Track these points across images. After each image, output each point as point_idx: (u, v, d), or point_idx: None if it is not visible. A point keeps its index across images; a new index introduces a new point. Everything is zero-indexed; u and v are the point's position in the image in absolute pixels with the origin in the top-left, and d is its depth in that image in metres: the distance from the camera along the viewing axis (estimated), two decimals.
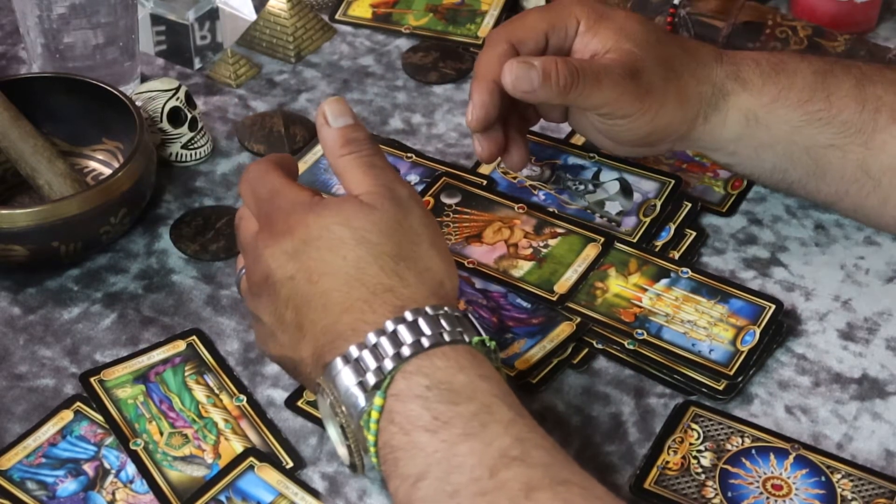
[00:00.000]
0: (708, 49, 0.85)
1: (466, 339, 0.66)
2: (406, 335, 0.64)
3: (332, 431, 0.68)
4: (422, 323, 0.65)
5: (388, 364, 0.64)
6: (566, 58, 0.80)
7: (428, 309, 0.66)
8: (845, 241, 0.88)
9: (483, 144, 0.84)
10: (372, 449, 0.64)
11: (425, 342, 0.64)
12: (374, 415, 0.64)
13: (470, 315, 0.68)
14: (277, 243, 0.69)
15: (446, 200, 0.90)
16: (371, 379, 0.64)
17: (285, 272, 0.68)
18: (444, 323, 0.65)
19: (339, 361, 0.65)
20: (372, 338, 0.65)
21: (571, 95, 0.79)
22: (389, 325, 0.65)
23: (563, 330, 0.80)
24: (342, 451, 0.68)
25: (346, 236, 0.68)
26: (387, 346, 0.64)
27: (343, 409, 0.65)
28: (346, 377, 0.64)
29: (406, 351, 0.64)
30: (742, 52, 0.85)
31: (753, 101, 0.83)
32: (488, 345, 0.67)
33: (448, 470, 0.60)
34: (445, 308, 0.66)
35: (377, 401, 0.63)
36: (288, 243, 0.68)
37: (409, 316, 0.65)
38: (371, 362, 0.64)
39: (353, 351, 0.65)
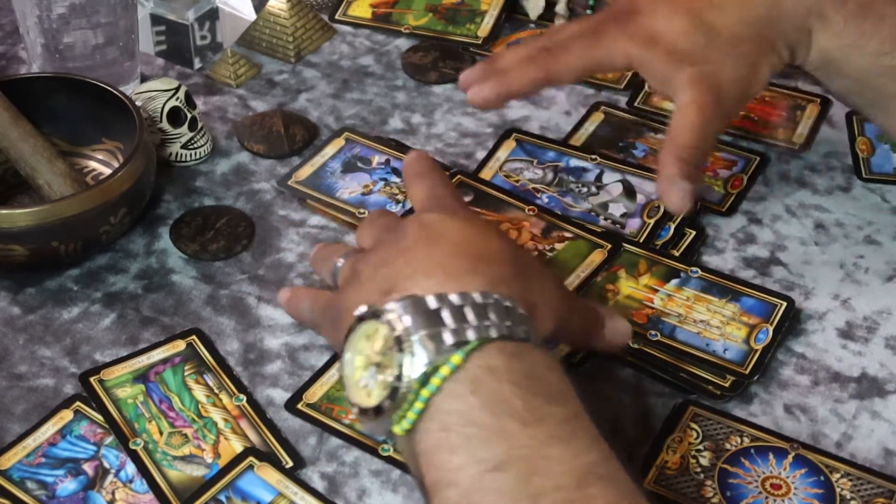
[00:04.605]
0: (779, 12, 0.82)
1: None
2: (494, 313, 0.61)
3: (360, 362, 0.63)
4: (516, 315, 0.62)
5: (471, 334, 0.60)
6: (680, 154, 0.80)
7: (521, 311, 0.64)
8: (845, 241, 0.88)
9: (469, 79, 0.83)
10: (419, 404, 0.60)
11: (520, 333, 0.62)
12: (445, 371, 0.59)
13: None
14: (434, 211, 0.71)
15: None
16: (450, 337, 0.60)
17: (433, 217, 0.69)
18: (531, 327, 0.63)
19: (431, 298, 0.61)
20: (457, 298, 0.62)
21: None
22: (479, 297, 0.62)
23: None
24: (358, 394, 0.62)
25: (504, 238, 0.70)
26: (470, 314, 0.61)
27: (415, 342, 0.60)
28: (428, 318, 0.61)
29: (493, 332, 0.61)
30: None
31: (831, 42, 0.81)
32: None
33: (532, 470, 0.57)
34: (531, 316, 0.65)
35: (454, 358, 0.59)
36: (446, 214, 0.70)
37: (503, 301, 0.62)
38: (450, 319, 0.61)
39: (434, 300, 0.61)
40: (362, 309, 0.63)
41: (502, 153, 0.95)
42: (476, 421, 0.59)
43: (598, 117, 0.99)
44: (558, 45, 0.82)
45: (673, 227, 0.88)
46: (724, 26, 0.80)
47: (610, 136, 0.98)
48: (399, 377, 0.60)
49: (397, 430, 0.61)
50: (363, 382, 0.62)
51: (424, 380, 0.60)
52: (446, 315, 0.61)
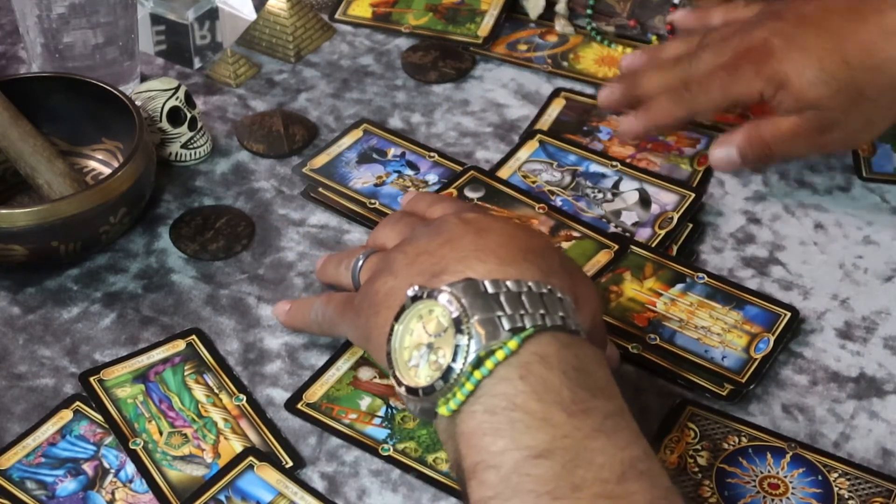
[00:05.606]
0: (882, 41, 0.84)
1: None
2: (549, 303, 0.62)
3: (410, 342, 0.63)
4: (568, 307, 0.63)
5: (528, 321, 0.61)
6: (759, 134, 0.87)
7: (573, 304, 0.64)
8: (844, 241, 0.88)
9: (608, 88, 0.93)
10: (470, 386, 0.60)
11: (572, 325, 0.62)
12: (501, 355, 0.60)
13: None
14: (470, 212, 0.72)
15: (469, 194, 0.90)
16: (507, 323, 0.60)
17: (473, 215, 0.69)
18: (579, 321, 0.64)
19: (488, 283, 0.62)
20: (514, 285, 0.62)
21: (772, 161, 0.90)
22: (534, 286, 0.62)
23: None
24: (407, 374, 0.63)
25: (546, 236, 0.71)
26: (527, 302, 0.61)
27: (473, 325, 0.60)
28: (486, 302, 0.61)
29: (548, 321, 0.61)
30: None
31: None
32: None
33: (575, 461, 0.58)
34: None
35: (511, 344, 0.60)
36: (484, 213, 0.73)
37: (556, 292, 0.63)
38: (507, 305, 0.61)
39: (490, 285, 0.62)
40: (415, 289, 0.64)
41: (523, 153, 0.95)
42: (522, 406, 0.59)
43: (559, 103, 1.00)
44: (697, 82, 0.88)
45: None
46: (852, 86, 0.83)
47: (574, 121, 0.98)
48: (454, 358, 0.60)
49: (443, 410, 0.61)
50: (413, 362, 0.63)
51: (478, 363, 0.60)
52: (504, 300, 0.61)
